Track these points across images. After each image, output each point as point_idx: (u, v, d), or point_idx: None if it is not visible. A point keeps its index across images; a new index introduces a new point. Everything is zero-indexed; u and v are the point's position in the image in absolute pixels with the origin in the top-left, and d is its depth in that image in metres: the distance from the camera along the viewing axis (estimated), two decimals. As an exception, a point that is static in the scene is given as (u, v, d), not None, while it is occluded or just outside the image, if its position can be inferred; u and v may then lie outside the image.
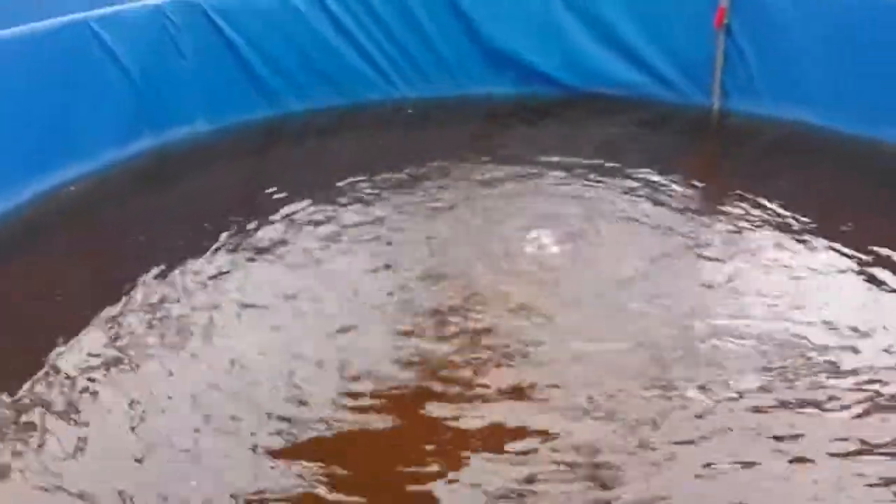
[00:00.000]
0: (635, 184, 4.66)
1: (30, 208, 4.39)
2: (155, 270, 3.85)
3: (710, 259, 3.95)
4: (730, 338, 3.31)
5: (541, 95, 5.92)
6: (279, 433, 2.87)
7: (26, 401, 3.04)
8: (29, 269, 3.97)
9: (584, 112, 5.77)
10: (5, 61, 4.24)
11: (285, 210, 4.44)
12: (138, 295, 3.69)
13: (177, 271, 3.87)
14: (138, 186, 4.89)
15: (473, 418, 2.94)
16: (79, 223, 4.48)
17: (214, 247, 4.08)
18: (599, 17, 5.74)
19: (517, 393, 3.05)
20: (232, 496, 2.62)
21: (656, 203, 4.45)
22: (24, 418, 2.96)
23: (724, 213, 4.35)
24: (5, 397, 3.05)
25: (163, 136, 5.18)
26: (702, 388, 3.03)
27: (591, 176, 4.79)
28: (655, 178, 4.73)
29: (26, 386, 3.10)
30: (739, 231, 4.16)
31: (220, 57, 5.37)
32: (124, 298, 3.65)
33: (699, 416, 2.91)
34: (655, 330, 3.39)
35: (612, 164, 4.91)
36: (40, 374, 3.18)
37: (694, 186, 4.67)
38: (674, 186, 4.64)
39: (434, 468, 2.73)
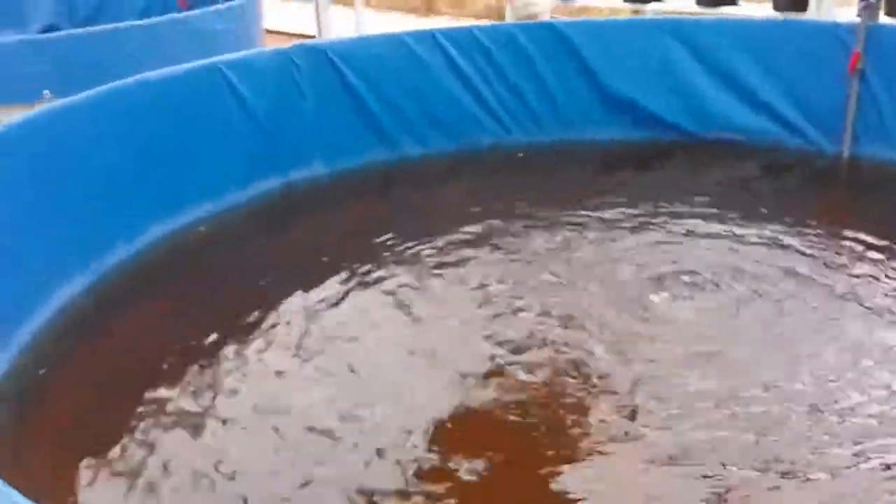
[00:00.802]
0: (761, 232, 4.46)
1: (158, 248, 4.45)
2: (271, 315, 3.86)
3: (852, 317, 3.70)
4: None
5: (659, 141, 5.79)
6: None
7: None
8: (151, 312, 4.02)
9: (705, 158, 5.60)
10: (143, 103, 4.35)
11: (401, 256, 4.40)
12: (233, 345, 3.65)
13: (290, 316, 3.85)
14: (259, 228, 4.94)
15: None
16: (201, 264, 4.53)
17: (330, 293, 4.04)
18: (722, 60, 5.60)
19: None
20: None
21: (786, 252, 4.24)
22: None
23: (862, 264, 4.13)
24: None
25: (283, 178, 5.24)
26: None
27: (716, 223, 4.61)
28: (782, 226, 4.52)
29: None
30: (882, 282, 3.94)
31: (339, 101, 5.42)
32: (226, 349, 3.63)
33: None
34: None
35: (736, 211, 4.73)
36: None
37: (825, 235, 4.44)
38: (803, 235, 4.42)
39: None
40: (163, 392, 3.33)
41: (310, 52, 5.26)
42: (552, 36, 5.76)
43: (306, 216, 5.13)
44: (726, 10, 8.09)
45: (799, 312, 3.73)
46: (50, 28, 8.65)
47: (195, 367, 3.48)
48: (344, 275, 4.20)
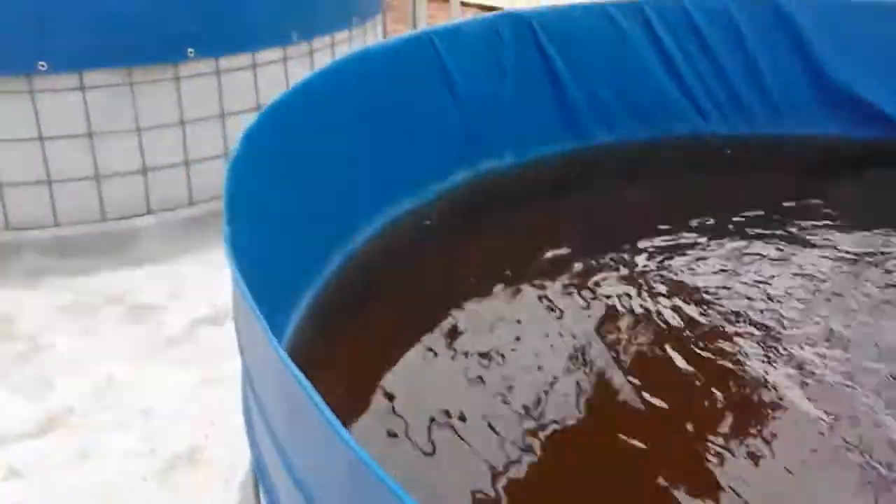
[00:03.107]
0: None
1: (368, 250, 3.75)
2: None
3: None
4: None
5: (882, 141, 5.08)
6: None
7: None
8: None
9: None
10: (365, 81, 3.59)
11: (567, 271, 3.73)
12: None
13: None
14: (453, 226, 4.22)
15: None
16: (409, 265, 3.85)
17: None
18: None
19: None
20: None
21: None
22: None
23: None
24: None
25: (473, 167, 4.49)
26: None
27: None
28: None
29: None
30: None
31: (538, 80, 4.66)
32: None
33: None
34: None
35: None
36: None
37: None
38: None
39: None
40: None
41: (514, 22, 4.47)
42: (772, 14, 5.00)
43: (496, 215, 4.40)
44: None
45: None
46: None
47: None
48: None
